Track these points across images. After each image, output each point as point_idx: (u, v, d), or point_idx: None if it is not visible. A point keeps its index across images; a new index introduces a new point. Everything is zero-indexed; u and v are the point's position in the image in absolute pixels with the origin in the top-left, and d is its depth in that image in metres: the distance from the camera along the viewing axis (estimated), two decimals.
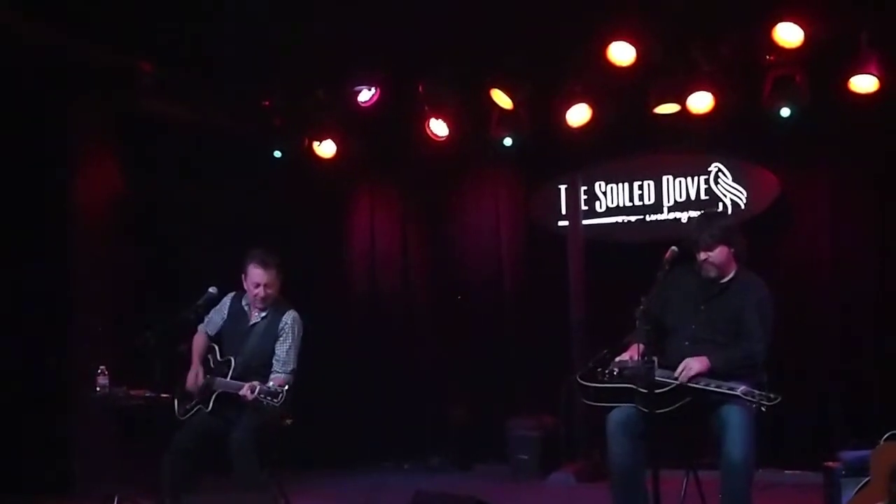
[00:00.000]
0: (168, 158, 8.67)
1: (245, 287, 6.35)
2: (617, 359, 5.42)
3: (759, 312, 5.34)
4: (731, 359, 5.24)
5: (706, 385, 5.13)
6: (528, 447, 8.58)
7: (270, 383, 5.86)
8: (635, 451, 5.26)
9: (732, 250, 5.47)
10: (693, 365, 5.17)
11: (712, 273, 5.45)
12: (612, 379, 5.36)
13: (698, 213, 8.26)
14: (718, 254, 5.42)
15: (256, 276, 6.25)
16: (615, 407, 5.36)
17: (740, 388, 5.01)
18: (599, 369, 5.42)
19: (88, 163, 8.59)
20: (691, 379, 5.15)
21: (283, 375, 6.12)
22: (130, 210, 8.65)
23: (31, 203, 8.00)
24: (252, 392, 5.81)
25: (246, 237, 8.56)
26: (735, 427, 5.08)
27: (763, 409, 4.93)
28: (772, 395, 4.92)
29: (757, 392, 4.95)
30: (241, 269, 6.32)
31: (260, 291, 6.25)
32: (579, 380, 5.48)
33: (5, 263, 7.78)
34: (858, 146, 7.98)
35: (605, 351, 5.46)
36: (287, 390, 5.85)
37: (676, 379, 5.15)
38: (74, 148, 8.51)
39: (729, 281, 5.48)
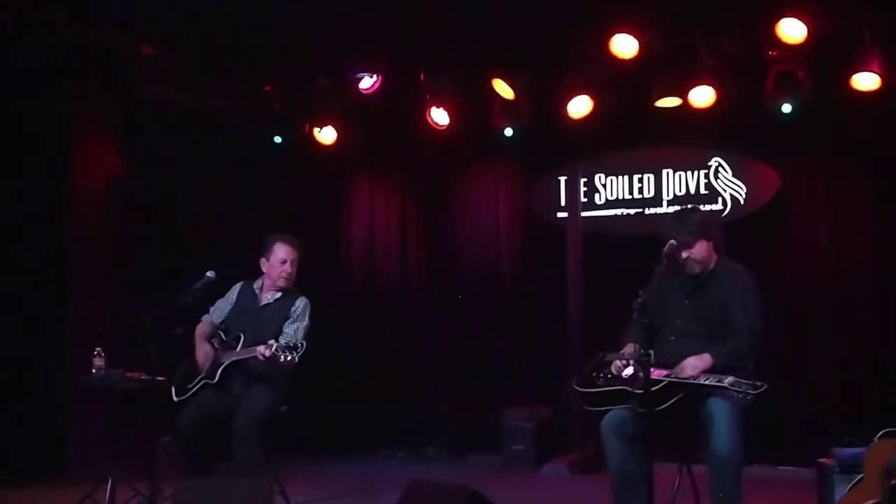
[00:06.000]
0: (168, 143, 8.66)
1: (265, 269, 6.40)
2: (609, 356, 5.40)
3: (742, 302, 5.33)
4: (726, 353, 5.22)
5: (695, 380, 5.12)
6: (523, 438, 8.59)
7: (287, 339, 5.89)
8: (632, 453, 5.23)
9: (711, 243, 5.47)
10: (695, 363, 5.15)
11: (697, 269, 5.45)
12: (606, 382, 5.35)
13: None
14: (699, 249, 5.41)
15: (283, 253, 6.33)
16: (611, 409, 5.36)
17: (727, 380, 5.00)
18: (594, 373, 5.41)
19: (88, 147, 8.58)
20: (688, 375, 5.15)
21: None
22: (130, 194, 8.64)
23: (30, 187, 7.99)
24: (269, 349, 5.81)
25: (245, 222, 8.62)
26: (721, 419, 5.07)
27: (748, 397, 4.92)
28: (758, 384, 4.91)
29: (744, 382, 4.95)
30: (263, 252, 6.36)
31: (287, 267, 6.33)
32: (576, 387, 5.48)
33: (4, 246, 7.77)
34: (859, 143, 7.99)
35: (601, 355, 5.44)
36: (304, 345, 5.85)
37: (669, 376, 5.14)
38: (75, 132, 8.51)
39: (709, 273, 5.48)
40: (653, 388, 5.04)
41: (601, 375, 5.39)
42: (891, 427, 5.29)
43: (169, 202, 8.82)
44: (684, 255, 5.40)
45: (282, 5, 7.65)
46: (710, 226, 5.54)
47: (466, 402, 9.23)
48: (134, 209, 8.65)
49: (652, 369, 5.06)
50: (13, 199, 7.87)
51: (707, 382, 5.08)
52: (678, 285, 5.50)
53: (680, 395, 5.13)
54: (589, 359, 5.50)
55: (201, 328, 6.43)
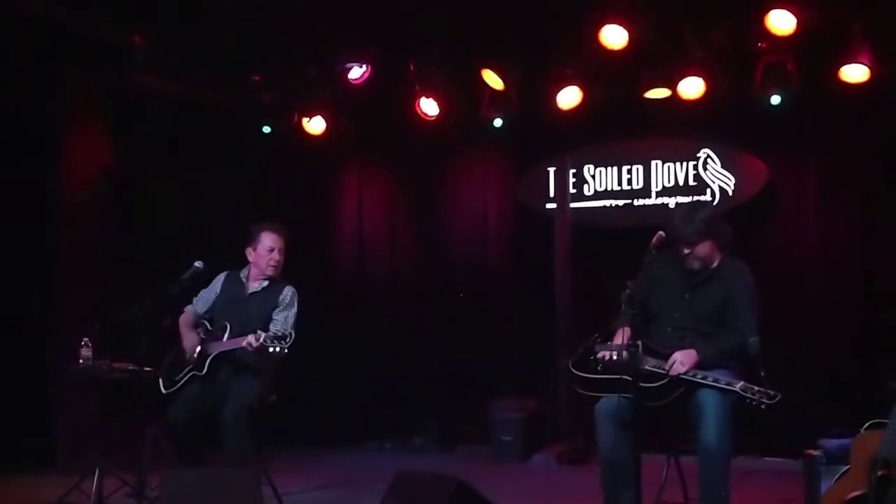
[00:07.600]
0: (157, 133, 8.64)
1: (252, 258, 6.37)
2: (598, 347, 5.37)
3: (748, 301, 5.29)
4: (720, 350, 5.20)
5: (703, 378, 5.08)
6: (511, 429, 8.59)
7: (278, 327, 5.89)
8: (624, 440, 5.20)
9: (716, 242, 5.42)
10: (683, 360, 5.12)
11: (696, 265, 5.40)
12: (605, 369, 5.28)
13: (685, 199, 8.34)
14: (702, 248, 5.34)
15: (271, 241, 6.32)
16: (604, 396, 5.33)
17: (738, 385, 4.95)
18: (591, 357, 5.36)
19: (77, 136, 8.56)
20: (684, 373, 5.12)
21: None
22: (118, 184, 8.62)
23: (20, 177, 7.96)
24: (257, 340, 5.79)
25: (233, 212, 8.59)
26: (710, 412, 5.05)
27: (763, 407, 4.88)
28: (771, 392, 4.86)
29: (756, 388, 4.90)
30: (249, 242, 6.35)
31: (275, 255, 6.31)
32: (572, 368, 5.43)
33: None
34: (847, 135, 8.00)
35: (596, 335, 5.40)
36: (293, 335, 5.82)
37: (667, 372, 5.12)
38: (63, 121, 8.48)
39: (714, 269, 5.43)
40: (655, 384, 5.04)
41: (599, 360, 5.33)
42: (877, 418, 5.29)
43: (158, 192, 8.79)
44: (686, 251, 5.35)
45: None
46: (716, 225, 5.45)
47: (455, 393, 9.21)
48: (123, 199, 8.63)
49: (650, 358, 5.07)
50: (3, 188, 7.83)
51: (716, 384, 5.05)
52: (678, 277, 5.45)
53: (680, 391, 5.12)
54: (581, 342, 5.47)
55: (185, 318, 6.40)
